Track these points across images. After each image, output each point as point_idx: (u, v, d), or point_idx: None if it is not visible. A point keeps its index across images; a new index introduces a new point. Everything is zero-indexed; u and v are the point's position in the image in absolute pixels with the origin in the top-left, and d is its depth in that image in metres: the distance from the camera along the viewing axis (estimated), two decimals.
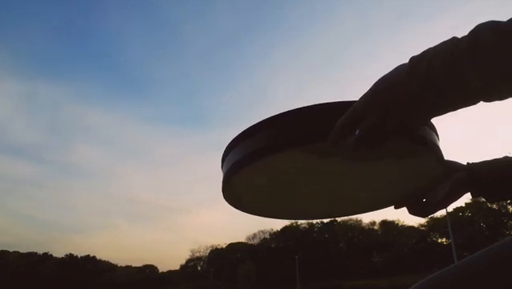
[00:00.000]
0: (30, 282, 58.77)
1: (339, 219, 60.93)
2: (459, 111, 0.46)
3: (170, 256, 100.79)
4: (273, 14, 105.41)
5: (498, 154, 0.71)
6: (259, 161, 0.52)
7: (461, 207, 49.86)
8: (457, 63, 0.40)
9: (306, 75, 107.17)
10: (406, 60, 0.45)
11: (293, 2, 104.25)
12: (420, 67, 0.43)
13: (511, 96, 0.41)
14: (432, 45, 0.44)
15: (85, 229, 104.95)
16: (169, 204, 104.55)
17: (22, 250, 70.47)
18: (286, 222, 64.65)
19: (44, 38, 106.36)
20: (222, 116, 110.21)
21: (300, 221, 60.09)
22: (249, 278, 52.20)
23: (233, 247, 62.70)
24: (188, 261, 68.26)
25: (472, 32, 0.40)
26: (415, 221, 60.14)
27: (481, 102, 0.43)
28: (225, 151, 0.60)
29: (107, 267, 69.03)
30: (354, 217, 59.60)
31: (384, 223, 58.45)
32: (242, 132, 0.55)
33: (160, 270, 73.51)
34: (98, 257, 70.44)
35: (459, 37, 0.42)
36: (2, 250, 67.53)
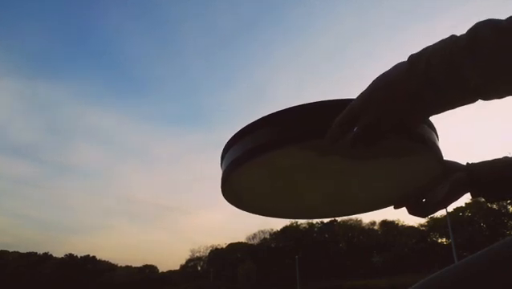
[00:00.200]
0: (30, 282, 58.76)
1: (339, 219, 60.98)
2: (458, 110, 0.46)
3: (170, 256, 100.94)
4: (273, 13, 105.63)
5: (498, 154, 0.71)
6: (258, 158, 0.52)
7: (461, 207, 49.90)
8: (455, 61, 0.40)
9: (306, 74, 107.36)
10: (405, 59, 0.45)
11: (293, 1, 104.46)
12: (419, 65, 0.43)
13: (509, 94, 0.41)
14: (431, 43, 0.44)
15: (85, 229, 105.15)
16: (169, 204, 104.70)
17: (22, 250, 70.61)
18: (286, 222, 64.84)
19: (42, 36, 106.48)
20: (222, 115, 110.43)
21: (300, 221, 60.30)
22: (249, 278, 52.20)
23: (233, 247, 62.69)
24: (189, 261, 68.32)
25: (471, 30, 0.40)
26: (415, 221, 60.22)
27: (480, 100, 0.43)
28: (224, 148, 0.60)
29: (107, 267, 69.03)
30: (354, 217, 59.69)
31: (384, 223, 58.45)
32: (241, 130, 0.55)
33: (160, 270, 73.57)
34: (98, 257, 70.55)
35: (458, 35, 0.42)
36: (1, 250, 67.54)
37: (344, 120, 0.48)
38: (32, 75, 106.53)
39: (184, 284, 56.72)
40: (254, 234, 64.27)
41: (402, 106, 0.45)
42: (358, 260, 53.32)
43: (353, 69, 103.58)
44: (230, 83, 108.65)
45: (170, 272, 71.16)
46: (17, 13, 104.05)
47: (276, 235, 62.34)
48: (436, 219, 48.69)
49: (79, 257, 66.85)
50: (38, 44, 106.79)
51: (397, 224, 57.68)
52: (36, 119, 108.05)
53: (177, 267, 71.43)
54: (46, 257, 66.89)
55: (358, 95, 0.48)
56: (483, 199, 0.71)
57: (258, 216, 0.75)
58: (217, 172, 0.63)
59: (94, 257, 69.01)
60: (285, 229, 61.17)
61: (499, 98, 0.41)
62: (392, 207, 0.72)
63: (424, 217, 0.71)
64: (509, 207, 47.36)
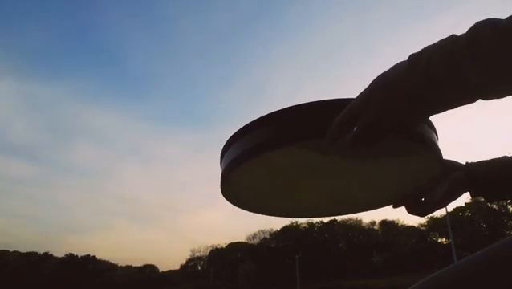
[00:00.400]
0: (30, 282, 58.78)
1: (339, 219, 61.16)
2: (458, 110, 0.46)
3: (170, 256, 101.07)
4: (271, 10, 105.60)
5: (497, 154, 0.71)
6: (257, 157, 0.52)
7: (461, 207, 49.93)
8: (456, 61, 0.40)
9: (305, 72, 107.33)
10: (405, 58, 0.45)
11: None
12: (419, 65, 0.43)
13: (509, 94, 0.41)
14: (431, 42, 0.44)
15: (85, 229, 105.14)
16: (169, 203, 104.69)
17: (22, 250, 70.51)
18: (286, 222, 64.90)
19: (40, 34, 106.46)
20: (221, 114, 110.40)
21: (300, 221, 60.37)
22: (249, 277, 52.23)
23: (233, 247, 62.72)
24: (189, 261, 68.36)
25: (471, 30, 0.40)
26: (415, 220, 60.24)
27: (480, 100, 0.43)
28: (223, 147, 0.60)
29: (107, 267, 69.05)
30: (354, 216, 59.94)
31: (384, 223, 58.48)
32: (241, 129, 0.55)
33: (160, 270, 73.59)
34: (98, 257, 70.57)
35: (458, 35, 0.42)
36: (2, 250, 67.55)
37: (344, 119, 0.48)
38: (30, 73, 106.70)
39: (185, 284, 56.76)
40: (254, 234, 64.40)
41: (402, 106, 0.46)
42: (358, 260, 53.34)
43: (352, 67, 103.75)
44: (229, 81, 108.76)
45: (170, 272, 71.18)
46: (15, 11, 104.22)
47: (276, 235, 62.36)
48: (436, 219, 48.71)
49: (79, 257, 66.90)
50: (35, 42, 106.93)
51: (397, 224, 57.73)
52: (35, 118, 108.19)
53: (177, 267, 71.60)
54: (46, 257, 66.91)
55: (358, 94, 0.48)
56: (482, 199, 0.71)
57: (257, 215, 0.77)
58: (217, 172, 0.63)
59: (94, 257, 69.07)
60: (285, 229, 61.19)
61: (499, 98, 0.42)
62: (392, 206, 0.72)
63: (423, 216, 0.70)
64: (509, 207, 47.39)
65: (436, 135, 0.56)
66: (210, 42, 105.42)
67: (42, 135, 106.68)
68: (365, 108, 0.47)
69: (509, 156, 0.69)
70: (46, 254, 67.90)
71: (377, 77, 0.47)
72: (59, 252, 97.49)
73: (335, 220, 60.59)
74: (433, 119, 0.53)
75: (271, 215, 0.77)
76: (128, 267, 73.60)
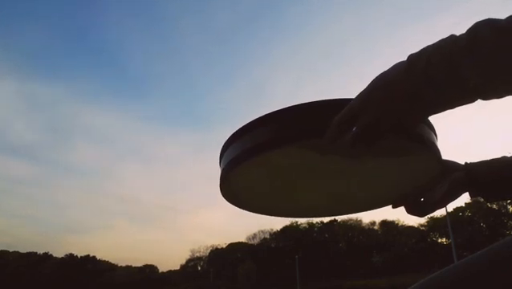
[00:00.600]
0: (30, 282, 58.78)
1: (339, 219, 61.14)
2: (457, 110, 0.46)
3: (170, 256, 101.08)
4: (271, 10, 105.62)
5: (497, 154, 0.71)
6: (257, 157, 0.52)
7: (461, 207, 49.94)
8: (455, 61, 0.40)
9: (304, 72, 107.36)
10: (405, 58, 0.45)
11: None
12: (419, 65, 0.43)
13: (508, 94, 0.41)
14: (431, 42, 0.44)
15: (85, 229, 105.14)
16: (169, 204, 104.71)
17: (22, 250, 70.60)
18: (286, 222, 64.87)
19: (40, 34, 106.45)
20: (221, 114, 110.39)
21: (300, 221, 60.31)
22: (249, 278, 52.23)
23: (234, 247, 62.72)
24: (189, 261, 68.35)
25: (470, 30, 0.41)
26: (415, 221, 60.18)
27: (479, 100, 0.43)
28: (222, 147, 0.60)
29: (107, 267, 69.04)
30: (354, 217, 59.95)
31: (384, 223, 58.48)
32: (240, 129, 0.55)
33: (160, 270, 73.66)
34: (98, 257, 70.58)
35: (457, 35, 0.42)
36: (2, 250, 67.58)
37: (343, 119, 0.48)
38: (30, 73, 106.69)
39: (185, 284, 56.77)
40: (254, 234, 64.41)
41: (401, 106, 0.46)
42: (358, 260, 53.34)
43: (352, 67, 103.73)
44: (229, 81, 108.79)
45: (170, 272, 71.23)
46: (15, 11, 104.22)
47: (276, 235, 62.37)
48: (436, 219, 48.70)
49: (79, 257, 66.89)
50: (35, 42, 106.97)
51: (397, 224, 57.74)
52: (35, 118, 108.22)
53: (177, 267, 71.63)
54: (46, 257, 66.92)
55: (357, 94, 0.48)
56: (482, 199, 0.71)
57: (258, 215, 0.74)
58: (217, 172, 0.63)
59: (94, 257, 69.07)
60: (285, 229, 61.20)
61: (498, 98, 0.42)
62: (391, 206, 0.72)
63: (422, 216, 0.70)
64: (510, 207, 47.39)
65: (436, 135, 0.56)
66: (210, 42, 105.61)
67: (42, 135, 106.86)
68: (364, 108, 0.47)
69: (509, 156, 0.69)
70: (46, 254, 67.93)
71: (376, 77, 0.47)
72: (59, 252, 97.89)
73: (335, 220, 60.66)
74: (432, 119, 0.53)
75: (271, 215, 0.76)
76: (128, 267, 73.64)
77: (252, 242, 63.51)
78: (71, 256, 66.44)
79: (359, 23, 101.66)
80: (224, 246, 64.59)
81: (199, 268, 67.10)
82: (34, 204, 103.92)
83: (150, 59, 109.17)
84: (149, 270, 72.20)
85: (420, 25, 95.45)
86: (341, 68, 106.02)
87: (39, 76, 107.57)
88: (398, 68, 0.46)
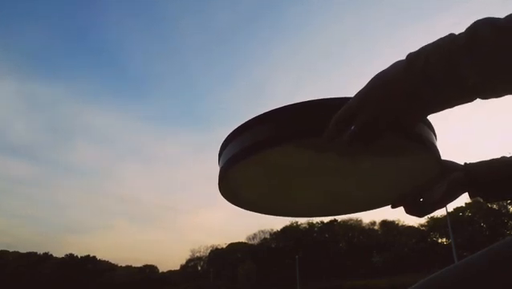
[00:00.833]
0: (30, 282, 58.78)
1: (339, 219, 61.12)
2: (456, 109, 0.46)
3: (170, 256, 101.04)
4: (271, 10, 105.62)
5: (496, 154, 0.71)
6: (255, 155, 0.52)
7: (461, 207, 49.93)
8: (454, 60, 0.40)
9: (304, 72, 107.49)
10: (404, 57, 0.45)
11: None
12: (417, 64, 0.43)
13: (507, 93, 0.41)
14: (430, 42, 0.44)
15: (85, 229, 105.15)
16: (170, 204, 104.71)
17: (22, 250, 70.68)
18: (286, 222, 64.86)
19: (40, 34, 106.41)
20: (221, 113, 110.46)
21: (300, 221, 60.35)
22: (249, 278, 52.22)
23: (234, 247, 62.71)
24: (189, 261, 68.37)
25: (469, 29, 0.40)
26: (415, 221, 60.20)
27: (478, 99, 0.43)
28: (221, 146, 0.60)
29: (107, 267, 69.05)
30: (354, 217, 59.94)
31: (384, 223, 58.46)
32: (238, 127, 0.55)
33: (160, 270, 73.67)
34: (98, 257, 70.59)
35: (456, 33, 0.42)
36: (2, 250, 67.60)
37: (341, 118, 0.48)
38: (30, 73, 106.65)
39: (185, 284, 56.78)
40: (254, 234, 64.41)
41: (399, 104, 0.45)
42: (358, 260, 53.33)
43: (352, 67, 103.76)
44: (229, 80, 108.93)
45: (170, 272, 71.25)
46: (15, 11, 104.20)
47: (276, 235, 62.36)
48: (436, 219, 48.71)
49: (79, 257, 66.91)
50: (35, 42, 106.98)
51: (397, 224, 57.74)
52: (35, 118, 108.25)
53: (177, 267, 71.68)
54: (46, 257, 66.92)
55: (356, 93, 0.48)
56: (481, 199, 0.71)
57: (258, 215, 0.77)
58: (217, 171, 0.63)
59: (94, 257, 69.08)
60: (285, 229, 61.20)
61: (497, 97, 0.42)
62: (390, 206, 0.72)
63: (421, 216, 0.70)
64: (510, 207, 47.38)
65: (435, 135, 0.56)
66: (210, 42, 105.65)
67: (42, 135, 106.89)
68: (362, 107, 0.47)
69: (508, 156, 0.69)
70: (46, 254, 67.93)
71: (375, 76, 0.47)
72: (59, 252, 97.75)
73: (335, 220, 60.66)
74: (431, 118, 0.53)
75: (269, 214, 0.76)
76: (128, 267, 73.64)
77: (252, 242, 63.56)
78: (71, 256, 66.44)
79: (359, 23, 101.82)
80: (224, 246, 64.65)
81: (199, 268, 67.10)
82: (34, 204, 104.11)
83: (150, 59, 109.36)
84: (149, 270, 72.19)
85: (420, 25, 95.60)
86: (341, 68, 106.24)
87: (39, 76, 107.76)
88: (397, 67, 0.45)
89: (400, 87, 0.45)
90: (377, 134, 0.48)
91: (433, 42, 0.43)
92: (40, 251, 69.07)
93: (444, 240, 51.01)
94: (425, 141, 0.52)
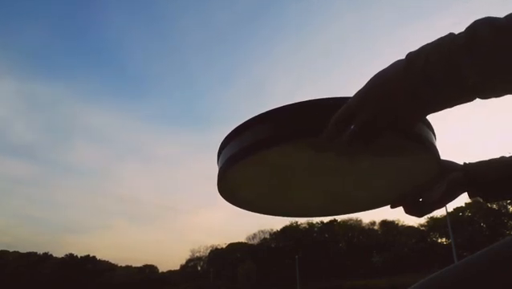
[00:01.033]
0: (30, 282, 58.78)
1: (339, 219, 61.13)
2: (456, 109, 0.46)
3: (170, 256, 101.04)
4: (271, 8, 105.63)
5: (496, 154, 0.71)
6: (254, 156, 0.52)
7: (461, 207, 49.93)
8: (454, 59, 0.40)
9: (305, 71, 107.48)
10: (404, 57, 0.45)
11: None
12: (417, 63, 0.43)
13: (507, 93, 0.41)
14: (430, 41, 0.44)
15: (85, 229, 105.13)
16: (169, 204, 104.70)
17: (22, 250, 70.54)
18: (286, 222, 64.85)
19: (40, 34, 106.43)
20: (221, 113, 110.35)
21: (300, 221, 60.33)
22: (249, 278, 52.23)
23: (233, 247, 62.72)
24: (189, 261, 68.37)
25: (469, 28, 0.40)
26: (415, 221, 60.22)
27: (478, 99, 0.43)
28: (220, 145, 0.60)
29: (106, 267, 69.05)
30: (354, 217, 59.95)
31: (384, 223, 58.48)
32: (237, 127, 0.55)
33: (160, 270, 73.62)
34: (98, 257, 70.58)
35: (456, 33, 0.42)
36: (2, 250, 67.57)
37: (341, 117, 0.48)
38: (30, 72, 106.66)
39: (184, 284, 56.77)
40: (254, 234, 64.40)
41: (399, 104, 0.45)
42: (358, 260, 53.36)
43: (352, 66, 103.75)
44: (229, 79, 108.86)
45: (170, 272, 71.20)
46: (14, 10, 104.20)
47: (276, 235, 62.36)
48: (436, 219, 48.73)
49: (79, 257, 66.89)
50: (35, 42, 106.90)
51: (397, 224, 57.75)
52: (34, 118, 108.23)
53: (177, 267, 71.60)
54: (46, 257, 66.92)
55: (355, 93, 0.48)
56: (481, 199, 0.71)
57: (258, 215, 0.75)
58: (216, 171, 0.63)
59: (94, 257, 69.07)
60: (285, 229, 61.20)
61: (497, 96, 0.41)
62: (390, 206, 0.71)
63: (420, 216, 0.70)
64: (510, 207, 47.40)
65: (434, 134, 0.56)
66: (210, 40, 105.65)
67: (41, 135, 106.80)
68: (362, 106, 0.47)
69: (508, 156, 0.69)
70: (45, 254, 67.93)
71: (375, 75, 0.47)
72: (59, 252, 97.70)
73: (335, 220, 60.68)
74: (431, 118, 0.53)
75: (268, 214, 0.76)
76: (128, 267, 73.65)
77: (252, 242, 63.57)
78: (70, 256, 66.45)
79: (360, 22, 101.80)
80: (224, 246, 64.63)
81: (199, 268, 67.11)
82: (34, 204, 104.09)
83: (150, 58, 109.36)
84: (149, 270, 72.20)
85: (420, 24, 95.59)
86: (341, 67, 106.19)
87: (39, 75, 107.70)
88: (396, 66, 0.45)
89: (400, 86, 0.44)
90: (377, 133, 0.48)
91: (433, 42, 0.43)
92: (40, 251, 69.17)
93: (444, 240, 51.05)
94: (425, 141, 0.52)
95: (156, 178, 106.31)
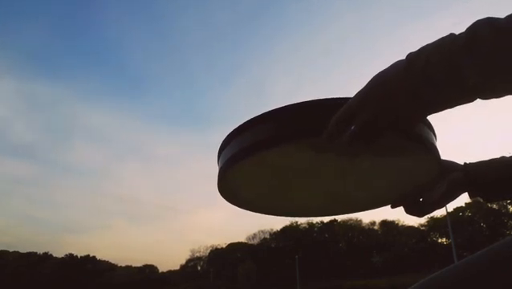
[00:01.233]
0: (30, 282, 58.80)
1: (339, 219, 61.15)
2: (456, 110, 0.46)
3: (170, 256, 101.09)
4: (272, 8, 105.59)
5: (496, 154, 0.71)
6: (254, 156, 0.52)
7: (461, 207, 49.93)
8: (454, 60, 0.40)
9: (305, 70, 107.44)
10: (404, 57, 0.45)
11: None
12: (418, 64, 0.43)
13: (507, 94, 0.41)
14: (431, 41, 0.44)
15: (85, 229, 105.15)
16: (169, 204, 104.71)
17: (22, 250, 70.59)
18: (286, 222, 64.88)
19: (40, 33, 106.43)
20: (221, 113, 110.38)
21: (300, 221, 60.37)
22: (249, 278, 52.24)
23: (233, 247, 62.73)
24: (189, 261, 68.38)
25: (469, 29, 0.41)
26: (415, 221, 60.21)
27: (478, 99, 0.43)
28: (221, 145, 0.60)
29: (107, 267, 69.06)
30: (354, 217, 59.94)
31: (384, 223, 58.49)
32: (238, 127, 0.55)
33: (160, 270, 73.64)
34: (98, 257, 70.61)
35: (456, 33, 0.42)
36: (2, 250, 67.59)
37: (341, 117, 0.48)
38: (29, 72, 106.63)
39: (184, 284, 56.78)
40: (254, 234, 64.39)
41: (399, 104, 0.45)
42: (358, 260, 53.37)
43: (352, 66, 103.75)
44: (229, 79, 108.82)
45: (170, 272, 71.22)
46: (13, 9, 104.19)
47: (276, 235, 62.36)
48: (436, 219, 48.73)
49: (79, 257, 66.91)
50: (34, 41, 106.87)
51: (397, 224, 57.75)
52: (35, 118, 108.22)
53: (177, 267, 71.61)
54: (46, 257, 66.94)
55: (356, 93, 0.48)
56: (481, 199, 0.71)
57: (258, 215, 0.75)
58: (217, 171, 0.63)
59: (94, 257, 69.09)
60: (285, 229, 61.21)
61: (497, 97, 0.42)
62: (390, 206, 0.72)
63: (421, 216, 0.70)
64: (510, 207, 47.40)
65: (435, 135, 0.56)
66: (210, 40, 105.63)
67: (41, 135, 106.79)
68: (363, 106, 0.47)
69: (508, 156, 0.69)
70: (45, 254, 67.94)
71: (375, 76, 0.47)
72: (59, 252, 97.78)
73: (335, 220, 60.71)
74: (431, 118, 0.53)
75: (269, 214, 0.76)
76: (128, 267, 73.66)
77: (252, 242, 63.56)
78: (71, 256, 66.46)
79: (360, 22, 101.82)
80: (224, 246, 64.64)
81: (199, 268, 67.12)
82: (34, 204, 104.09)
83: (150, 58, 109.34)
84: (149, 270, 72.21)
85: (420, 24, 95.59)
86: (341, 67, 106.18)
87: (39, 75, 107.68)
88: (397, 67, 0.45)
89: (401, 86, 0.44)
90: (377, 133, 0.48)
91: (434, 42, 0.43)
92: (40, 251, 69.17)
93: (444, 240, 51.06)
94: (425, 142, 0.52)
95: (156, 178, 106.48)
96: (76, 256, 67.04)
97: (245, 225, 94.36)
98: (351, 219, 59.88)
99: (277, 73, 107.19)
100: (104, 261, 71.90)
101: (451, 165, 0.71)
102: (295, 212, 0.78)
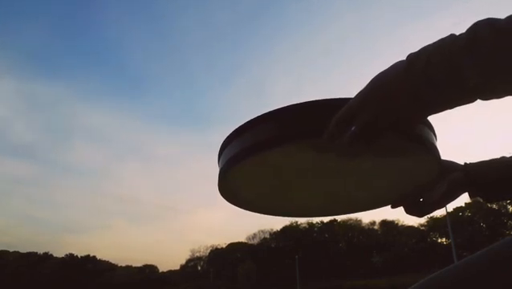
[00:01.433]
0: (30, 282, 58.81)
1: (339, 219, 61.16)
2: (457, 110, 0.46)
3: (170, 256, 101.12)
4: (272, 8, 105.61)
5: (496, 154, 0.71)
6: (255, 156, 0.52)
7: (461, 207, 49.98)
8: (455, 61, 0.40)
9: (305, 70, 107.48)
10: (405, 57, 0.45)
11: None
12: (418, 64, 0.43)
13: (507, 94, 0.41)
14: (431, 42, 0.44)
15: (85, 229, 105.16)
16: (169, 204, 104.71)
17: (22, 250, 70.62)
18: (286, 222, 64.86)
19: (40, 33, 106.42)
20: (221, 113, 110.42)
21: (300, 221, 60.34)
22: (249, 278, 52.25)
23: (233, 247, 62.73)
24: (189, 261, 68.39)
25: (470, 30, 0.41)
26: (415, 221, 60.24)
27: (479, 100, 0.43)
28: (221, 146, 0.60)
29: (107, 267, 69.08)
30: (354, 217, 59.96)
31: (384, 223, 58.50)
32: (239, 127, 0.55)
33: (160, 270, 73.62)
34: (98, 257, 70.63)
35: (457, 34, 0.42)
36: (2, 250, 67.61)
37: (342, 118, 0.48)
38: (29, 72, 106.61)
39: (184, 284, 56.79)
40: (254, 234, 64.41)
41: (400, 105, 0.46)
42: (358, 260, 53.38)
43: (352, 66, 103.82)
44: (229, 79, 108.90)
45: (170, 272, 71.23)
46: (13, 9, 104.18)
47: (276, 235, 62.37)
48: (436, 219, 48.74)
49: (79, 257, 66.96)
50: (34, 41, 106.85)
51: (397, 224, 57.77)
52: (35, 118, 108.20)
53: (177, 267, 71.64)
54: (46, 257, 66.95)
55: (356, 93, 0.49)
56: (481, 199, 0.71)
57: (258, 215, 0.76)
58: (217, 171, 0.63)
59: (94, 257, 69.10)
60: (285, 229, 61.22)
61: (498, 98, 0.42)
62: (390, 206, 0.72)
63: (421, 216, 0.70)
64: (509, 207, 47.42)
65: (435, 135, 0.56)
66: (210, 40, 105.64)
67: (41, 135, 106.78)
68: (363, 107, 0.47)
69: (508, 156, 0.69)
70: (46, 254, 67.95)
71: (375, 76, 0.47)
72: (59, 252, 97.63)
73: (335, 220, 60.71)
74: (432, 119, 0.53)
75: (269, 214, 0.76)
76: (128, 267, 73.65)
77: (252, 242, 63.56)
78: (71, 256, 66.49)
79: (360, 22, 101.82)
80: (224, 246, 64.64)
81: (199, 268, 67.13)
82: (34, 204, 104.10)
83: (150, 58, 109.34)
84: (149, 270, 72.20)
85: (420, 24, 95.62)
86: (341, 67, 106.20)
87: (39, 75, 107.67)
88: (397, 68, 0.46)
89: (401, 87, 0.45)
90: (378, 134, 0.48)
91: (434, 43, 0.43)
92: (40, 251, 69.19)
93: (444, 240, 51.09)
94: (426, 142, 0.52)
95: (156, 178, 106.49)
96: (76, 256, 67.09)
97: (245, 225, 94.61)
98: (351, 219, 60.01)
99: (277, 73, 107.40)
100: (104, 261, 71.94)
101: (451, 165, 0.71)
102: (295, 212, 0.78)
